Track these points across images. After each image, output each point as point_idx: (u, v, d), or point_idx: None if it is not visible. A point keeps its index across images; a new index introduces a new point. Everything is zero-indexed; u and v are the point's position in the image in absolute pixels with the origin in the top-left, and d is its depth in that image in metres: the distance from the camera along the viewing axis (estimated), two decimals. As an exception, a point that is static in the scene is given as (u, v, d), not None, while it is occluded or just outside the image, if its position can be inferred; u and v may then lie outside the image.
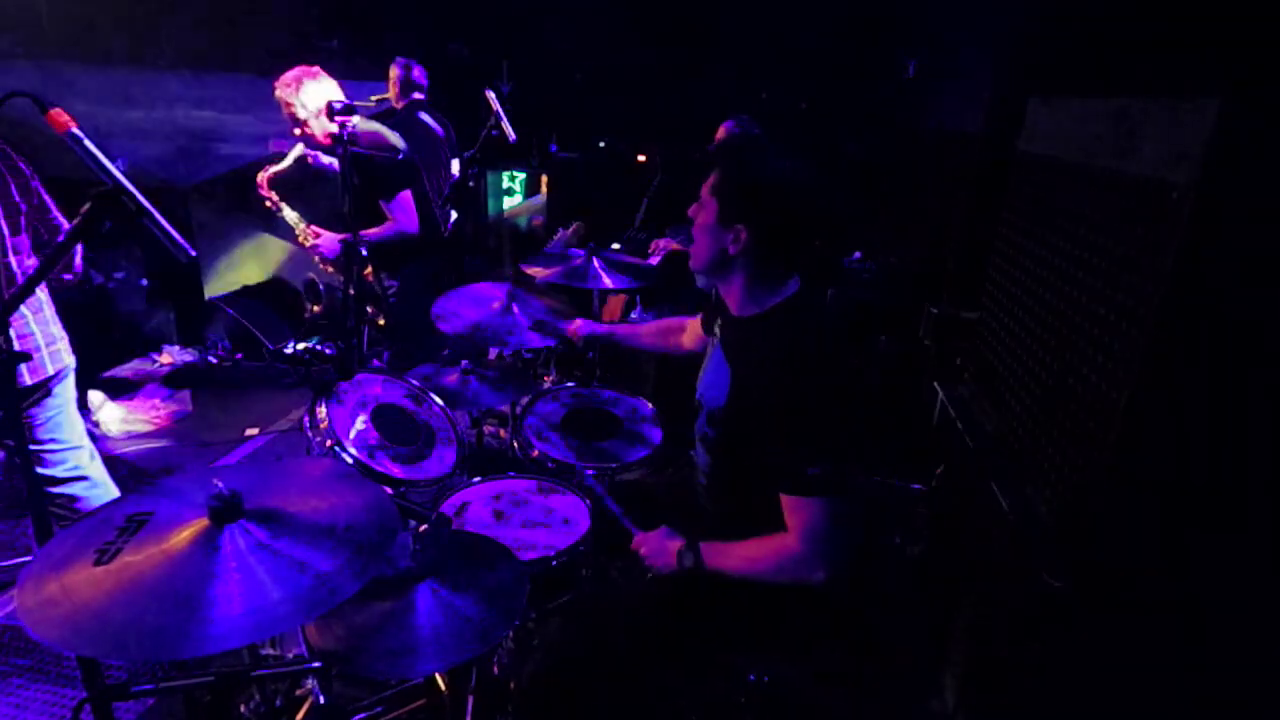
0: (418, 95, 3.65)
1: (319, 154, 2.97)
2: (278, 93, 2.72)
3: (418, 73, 3.66)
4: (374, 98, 3.68)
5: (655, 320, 2.21)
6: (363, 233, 2.75)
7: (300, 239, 2.99)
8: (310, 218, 3.00)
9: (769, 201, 1.38)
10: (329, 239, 2.94)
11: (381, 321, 2.97)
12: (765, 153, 1.42)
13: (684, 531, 1.51)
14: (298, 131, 2.77)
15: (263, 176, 2.89)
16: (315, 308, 3.26)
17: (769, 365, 1.39)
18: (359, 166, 2.63)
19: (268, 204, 2.93)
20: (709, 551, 1.44)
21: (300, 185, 3.04)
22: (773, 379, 1.37)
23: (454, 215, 3.35)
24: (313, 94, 2.71)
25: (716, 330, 1.60)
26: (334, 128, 2.51)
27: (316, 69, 2.76)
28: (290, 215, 2.94)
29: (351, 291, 2.72)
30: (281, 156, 2.89)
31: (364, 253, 2.71)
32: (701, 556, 1.44)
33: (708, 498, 1.63)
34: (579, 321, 2.27)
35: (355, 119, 2.49)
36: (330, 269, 3.05)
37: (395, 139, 2.87)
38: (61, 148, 1.39)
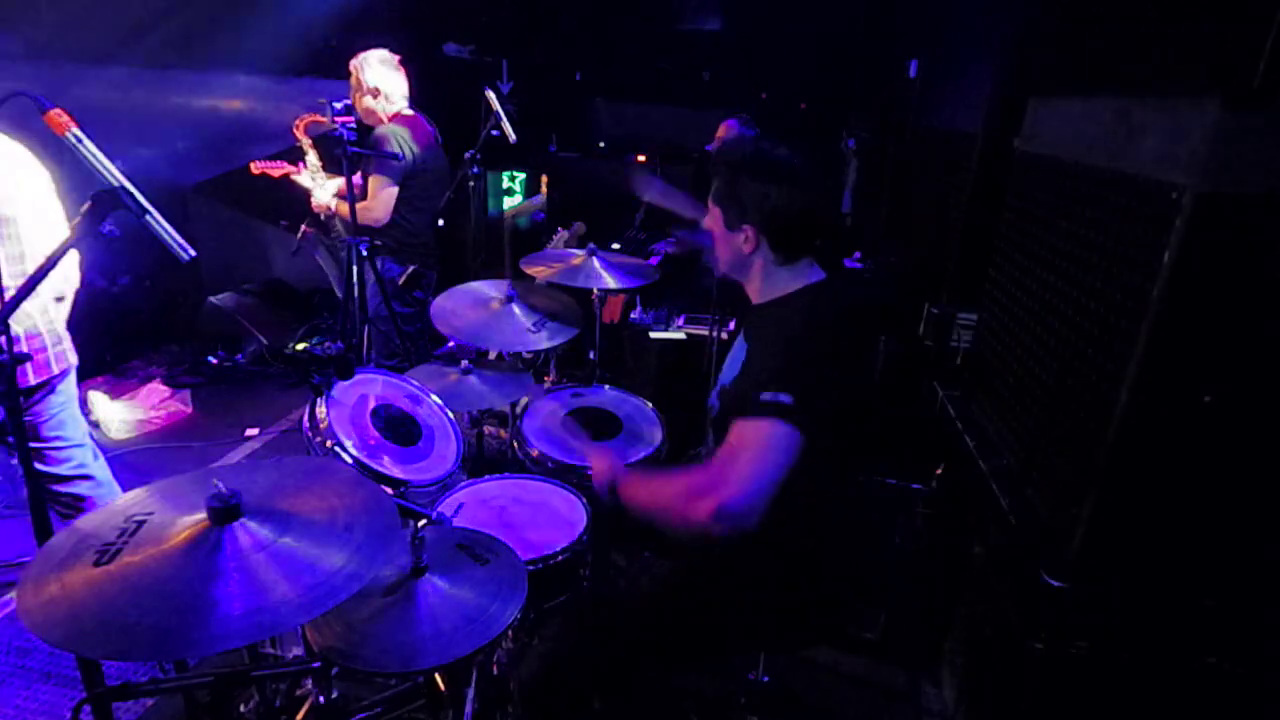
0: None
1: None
2: (352, 61, 2.99)
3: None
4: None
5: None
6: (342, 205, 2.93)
7: (311, 182, 3.11)
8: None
9: (769, 198, 1.39)
10: (326, 192, 3.08)
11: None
12: (757, 151, 1.43)
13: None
14: (355, 98, 2.98)
15: (300, 120, 3.04)
16: (301, 236, 3.28)
17: (776, 333, 1.40)
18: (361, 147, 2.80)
19: (296, 143, 3.07)
20: (626, 479, 1.43)
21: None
22: (772, 340, 1.39)
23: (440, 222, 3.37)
24: (371, 71, 2.94)
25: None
26: (377, 108, 2.95)
27: (393, 56, 3.01)
28: (313, 160, 3.08)
29: (353, 290, 2.74)
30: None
31: (364, 252, 2.72)
32: (618, 481, 1.44)
33: None
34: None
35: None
36: (321, 214, 3.16)
37: (406, 145, 2.92)
38: (62, 148, 1.39)
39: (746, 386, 1.33)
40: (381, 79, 2.97)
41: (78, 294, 2.10)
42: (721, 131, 3.68)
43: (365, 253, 2.72)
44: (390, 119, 3.01)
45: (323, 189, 3.07)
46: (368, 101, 2.97)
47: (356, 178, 2.73)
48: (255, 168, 3.18)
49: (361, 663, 1.18)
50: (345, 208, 2.77)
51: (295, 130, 3.05)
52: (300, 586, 0.97)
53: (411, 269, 3.12)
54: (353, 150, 2.63)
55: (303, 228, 3.26)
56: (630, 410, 2.26)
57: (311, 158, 3.09)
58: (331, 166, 3.10)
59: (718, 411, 1.52)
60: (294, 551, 1.03)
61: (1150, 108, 1.32)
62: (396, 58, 3.02)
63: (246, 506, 1.06)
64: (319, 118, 2.97)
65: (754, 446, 1.20)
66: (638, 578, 1.60)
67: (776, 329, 1.41)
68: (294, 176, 3.12)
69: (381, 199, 2.91)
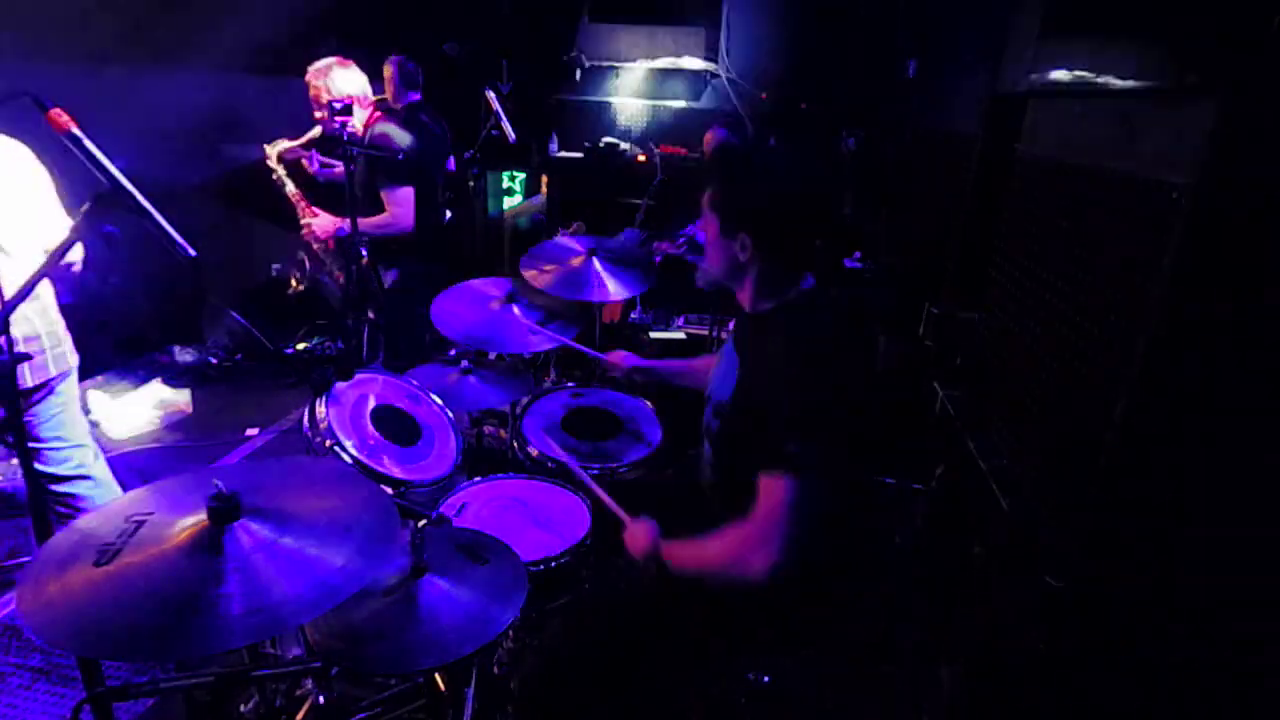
0: (415, 95, 3.64)
1: (323, 160, 3.04)
2: (308, 77, 2.84)
3: (413, 71, 3.64)
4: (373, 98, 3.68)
5: (701, 360, 2.02)
6: (360, 221, 2.78)
7: (299, 215, 3.06)
8: (313, 200, 3.10)
9: (765, 206, 1.38)
10: (326, 220, 3.02)
11: (371, 315, 3.00)
12: (753, 158, 1.43)
13: (680, 526, 1.51)
14: (319, 115, 2.86)
15: (273, 150, 2.98)
16: (297, 285, 3.26)
17: (773, 352, 1.40)
18: (364, 157, 2.76)
19: (273, 176, 3.01)
20: (668, 549, 1.44)
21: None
22: (773, 363, 1.38)
23: (448, 214, 3.35)
24: (340, 81, 2.83)
25: (730, 330, 1.61)
26: (354, 117, 2.80)
27: (349, 61, 2.89)
28: (292, 190, 3.03)
29: (352, 291, 2.73)
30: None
31: (364, 253, 2.71)
32: (661, 552, 1.44)
33: (712, 493, 1.63)
34: (620, 354, 2.13)
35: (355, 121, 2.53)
36: (318, 248, 3.12)
37: (401, 138, 2.90)
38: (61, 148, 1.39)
39: (754, 418, 1.34)
40: (351, 86, 2.87)
41: (78, 295, 2.10)
42: (708, 138, 3.67)
43: (365, 254, 2.72)
44: (371, 122, 2.95)
45: (318, 218, 3.02)
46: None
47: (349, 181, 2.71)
48: (267, 149, 3.12)
49: (361, 663, 1.18)
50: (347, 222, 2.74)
51: (268, 160, 2.98)
52: (300, 586, 0.97)
53: (431, 267, 3.11)
54: (355, 150, 2.62)
55: (301, 269, 3.23)
56: (630, 410, 2.26)
57: (291, 187, 3.03)
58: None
59: (718, 429, 1.52)
60: (294, 551, 1.03)
61: (1150, 108, 1.32)
62: (350, 61, 2.92)
63: (246, 506, 1.06)
64: (290, 141, 2.96)
65: (790, 503, 1.26)
66: (638, 579, 1.60)
67: (775, 346, 1.40)
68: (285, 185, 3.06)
69: (403, 204, 2.87)
